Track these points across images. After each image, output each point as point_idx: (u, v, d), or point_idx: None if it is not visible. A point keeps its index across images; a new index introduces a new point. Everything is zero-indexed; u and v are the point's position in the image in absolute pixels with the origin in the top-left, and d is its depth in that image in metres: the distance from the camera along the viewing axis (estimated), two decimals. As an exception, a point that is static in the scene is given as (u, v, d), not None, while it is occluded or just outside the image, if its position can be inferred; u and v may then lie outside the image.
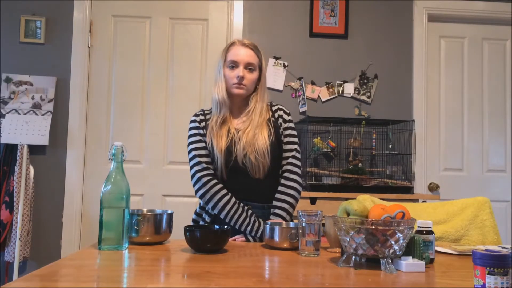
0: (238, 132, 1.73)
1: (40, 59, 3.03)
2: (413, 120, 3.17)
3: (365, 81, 3.23)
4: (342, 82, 3.21)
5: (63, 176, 3.00)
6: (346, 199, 1.39)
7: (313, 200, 2.71)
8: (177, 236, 1.49)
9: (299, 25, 3.22)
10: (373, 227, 1.10)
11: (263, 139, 1.70)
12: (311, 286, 0.97)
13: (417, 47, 3.27)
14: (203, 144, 1.74)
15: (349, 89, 3.21)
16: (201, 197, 1.71)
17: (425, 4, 3.30)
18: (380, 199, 1.84)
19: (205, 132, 1.76)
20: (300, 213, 1.33)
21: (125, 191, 1.32)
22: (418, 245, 1.18)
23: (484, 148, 3.37)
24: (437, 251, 1.38)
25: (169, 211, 1.48)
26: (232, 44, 1.80)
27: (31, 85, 2.98)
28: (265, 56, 3.14)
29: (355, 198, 1.65)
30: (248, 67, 1.75)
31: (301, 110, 3.17)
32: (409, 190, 2.98)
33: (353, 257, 1.15)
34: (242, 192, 1.72)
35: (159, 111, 3.13)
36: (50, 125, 2.94)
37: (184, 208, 3.06)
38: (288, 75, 3.18)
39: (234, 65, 1.75)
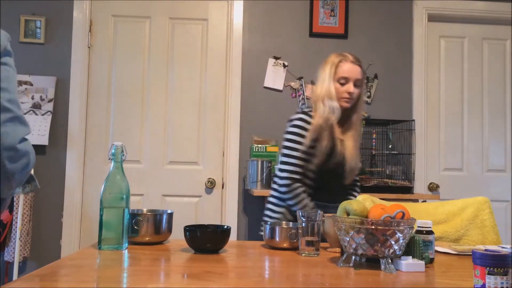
0: (341, 141, 1.93)
1: (40, 59, 3.03)
2: (413, 120, 3.17)
3: (365, 81, 3.23)
4: (342, 82, 3.21)
5: (63, 176, 3.00)
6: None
7: (313, 200, 2.71)
8: (177, 236, 1.50)
9: (299, 25, 3.22)
10: (373, 227, 1.10)
11: (359, 150, 1.98)
12: (311, 286, 0.97)
13: (417, 47, 3.27)
14: (303, 148, 1.89)
15: (349, 89, 3.21)
16: (284, 194, 1.90)
17: (425, 4, 3.30)
18: (380, 199, 1.84)
19: (312, 136, 1.90)
20: (300, 213, 1.33)
21: (125, 191, 1.32)
22: (418, 245, 1.18)
23: (484, 148, 3.37)
24: (437, 251, 1.38)
25: (169, 211, 1.48)
26: (342, 60, 1.92)
27: (31, 85, 2.98)
28: (265, 56, 3.18)
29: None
30: (356, 83, 1.91)
31: (301, 110, 3.16)
32: (409, 190, 2.98)
33: (353, 257, 1.16)
34: (330, 192, 1.94)
35: (159, 111, 3.13)
36: (50, 125, 2.95)
37: (184, 208, 3.07)
38: (288, 75, 3.18)
39: (345, 81, 1.90)
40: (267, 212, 2.01)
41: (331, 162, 1.90)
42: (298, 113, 1.98)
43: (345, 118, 1.96)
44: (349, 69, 1.90)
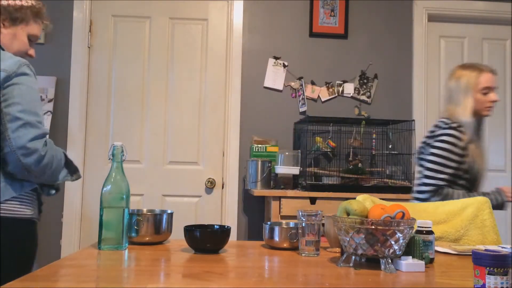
0: (478, 154, 2.04)
1: (40, 59, 3.03)
2: (413, 120, 3.17)
3: (365, 81, 3.23)
4: (342, 82, 3.22)
5: (63, 176, 2.99)
6: (346, 199, 1.39)
7: (313, 200, 2.71)
8: (177, 236, 1.50)
9: (299, 25, 3.22)
10: (373, 227, 1.10)
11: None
12: (311, 286, 0.97)
13: (417, 47, 3.27)
14: (454, 164, 1.97)
15: (349, 89, 3.21)
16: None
17: (425, 4, 3.30)
18: (380, 199, 1.84)
19: (463, 152, 1.98)
20: (300, 213, 1.33)
21: (125, 191, 1.32)
22: (418, 245, 1.18)
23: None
24: (437, 251, 1.38)
25: (169, 211, 1.48)
26: (481, 71, 2.04)
27: (31, 85, 2.98)
28: (265, 56, 3.18)
29: (355, 198, 1.65)
30: (495, 91, 2.05)
31: (301, 110, 3.17)
32: (409, 190, 2.97)
33: (353, 257, 1.16)
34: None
35: (159, 111, 3.13)
36: (50, 125, 2.94)
37: (184, 208, 3.07)
38: (288, 75, 3.18)
39: (488, 91, 2.02)
40: None
41: (471, 172, 2.03)
42: (445, 128, 2.02)
43: (479, 128, 2.10)
44: (490, 78, 2.02)
